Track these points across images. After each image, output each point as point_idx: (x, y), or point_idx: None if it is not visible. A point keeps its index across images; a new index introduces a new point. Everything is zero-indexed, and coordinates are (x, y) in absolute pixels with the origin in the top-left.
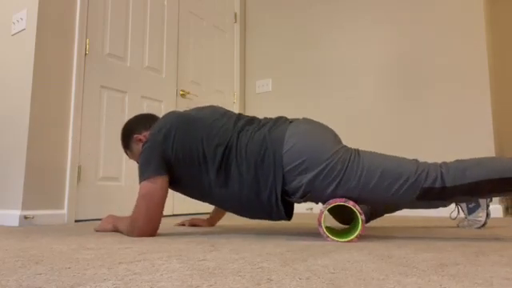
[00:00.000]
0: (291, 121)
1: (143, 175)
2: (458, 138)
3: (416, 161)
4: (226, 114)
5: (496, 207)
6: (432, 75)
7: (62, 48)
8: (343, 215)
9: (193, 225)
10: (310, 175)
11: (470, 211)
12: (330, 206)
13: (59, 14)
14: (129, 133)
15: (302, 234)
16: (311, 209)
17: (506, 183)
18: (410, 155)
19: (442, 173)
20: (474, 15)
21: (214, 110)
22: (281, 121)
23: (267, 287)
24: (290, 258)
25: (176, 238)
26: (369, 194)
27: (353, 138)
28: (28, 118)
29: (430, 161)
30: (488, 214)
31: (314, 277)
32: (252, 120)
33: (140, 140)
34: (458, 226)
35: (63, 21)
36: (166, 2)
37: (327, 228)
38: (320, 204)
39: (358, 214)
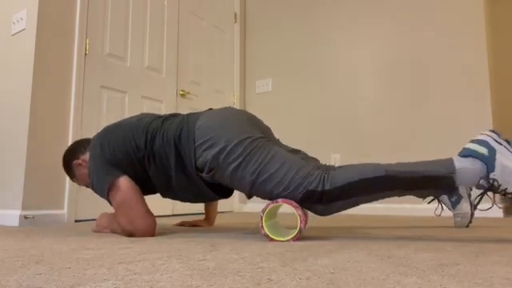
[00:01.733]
0: (212, 109)
1: (103, 189)
2: (458, 138)
3: (315, 167)
4: (152, 115)
5: (496, 207)
6: (432, 75)
7: (62, 48)
8: None
9: (192, 225)
10: (213, 151)
11: (454, 204)
12: (266, 211)
13: (59, 14)
14: (69, 162)
15: (302, 234)
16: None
17: (367, 183)
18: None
19: (324, 177)
20: (474, 15)
21: (139, 115)
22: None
23: (267, 287)
24: (289, 257)
25: (176, 238)
26: (262, 183)
27: (353, 137)
28: (28, 117)
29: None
30: (472, 203)
31: (313, 277)
32: (178, 114)
33: (80, 164)
34: (455, 227)
35: (63, 21)
36: (165, 2)
37: (271, 227)
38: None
39: (295, 210)
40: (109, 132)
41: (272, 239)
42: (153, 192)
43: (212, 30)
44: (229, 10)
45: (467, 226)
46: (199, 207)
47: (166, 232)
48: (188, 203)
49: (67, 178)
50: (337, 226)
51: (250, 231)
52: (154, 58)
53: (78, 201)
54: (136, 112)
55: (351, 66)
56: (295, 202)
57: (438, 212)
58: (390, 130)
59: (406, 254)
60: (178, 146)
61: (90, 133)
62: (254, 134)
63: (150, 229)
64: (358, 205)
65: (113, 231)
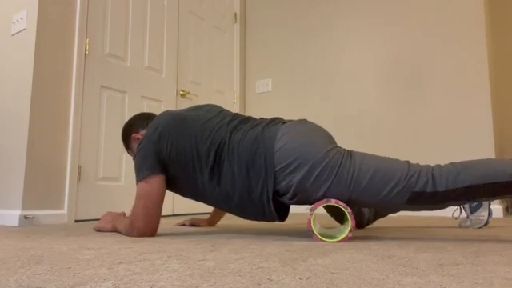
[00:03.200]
0: (285, 121)
1: (139, 176)
2: (458, 139)
3: (408, 163)
4: (221, 113)
5: (496, 207)
6: (432, 75)
7: (62, 48)
8: (337, 215)
9: (193, 225)
10: (300, 175)
11: (473, 210)
12: (314, 211)
13: (59, 14)
14: (128, 132)
15: (302, 234)
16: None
17: (498, 187)
18: (409, 155)
19: (433, 176)
20: (474, 15)
21: (209, 109)
22: (275, 121)
23: (267, 287)
24: (289, 257)
25: (176, 238)
26: (359, 195)
27: (353, 137)
28: (28, 118)
29: (430, 162)
30: (490, 213)
31: (313, 277)
32: (247, 119)
33: (138, 139)
34: (459, 227)
35: (63, 21)
36: (165, 2)
37: (319, 230)
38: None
39: (344, 209)
40: (174, 123)
41: (322, 241)
42: (182, 194)
43: (212, 30)
44: (229, 10)
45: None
46: (199, 207)
47: (166, 232)
48: (188, 203)
49: (67, 178)
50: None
51: (250, 231)
52: (154, 58)
53: (78, 201)
54: (136, 112)
55: (351, 66)
56: (400, 205)
57: (456, 214)
58: (391, 130)
59: (406, 253)
60: (249, 169)
61: (90, 133)
62: (334, 149)
63: (149, 232)
64: (465, 203)
65: (114, 228)
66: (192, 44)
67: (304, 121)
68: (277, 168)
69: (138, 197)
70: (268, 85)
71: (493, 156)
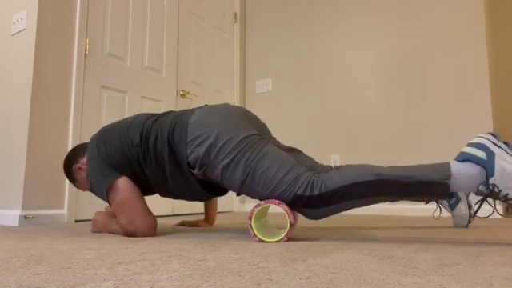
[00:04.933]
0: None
1: (103, 190)
2: (458, 139)
3: (305, 169)
4: (147, 114)
5: (496, 207)
6: (432, 75)
7: (62, 48)
8: None
9: (192, 225)
10: (205, 147)
11: (452, 207)
12: (260, 208)
13: (59, 14)
14: (69, 166)
15: (302, 234)
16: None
17: (367, 186)
18: (409, 155)
19: (313, 182)
20: (474, 15)
21: (135, 115)
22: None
23: (267, 287)
24: (289, 257)
25: (176, 238)
26: (252, 182)
27: (353, 137)
28: (28, 118)
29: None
30: (469, 205)
31: (313, 277)
32: (172, 111)
33: (80, 168)
34: (454, 227)
35: (63, 21)
36: (165, 2)
37: (261, 227)
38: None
39: (287, 216)
40: (105, 133)
41: (262, 241)
42: (152, 192)
43: (212, 30)
44: (229, 10)
45: (466, 227)
46: (199, 207)
47: (166, 232)
48: (188, 203)
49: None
50: (337, 226)
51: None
52: (153, 58)
53: (78, 201)
54: (136, 112)
55: (351, 66)
56: (285, 204)
57: (436, 214)
58: (390, 130)
59: (406, 253)
60: (171, 143)
61: (90, 133)
62: (248, 131)
63: (150, 228)
64: (350, 209)
65: (110, 232)
66: (192, 44)
67: (226, 104)
68: (188, 140)
69: (117, 208)
70: (268, 85)
71: None
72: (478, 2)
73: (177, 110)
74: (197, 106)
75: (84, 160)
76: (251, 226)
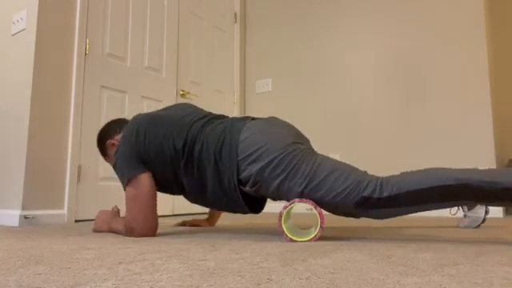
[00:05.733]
0: (254, 118)
1: (124, 178)
2: (458, 138)
3: (365, 172)
4: (194, 111)
5: (497, 208)
6: (432, 75)
7: (62, 48)
8: None
9: (193, 225)
10: (259, 165)
11: (470, 207)
12: (289, 208)
13: (59, 13)
14: (103, 140)
15: None
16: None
17: (445, 190)
18: (409, 155)
19: (381, 184)
20: (474, 15)
21: (182, 107)
22: (245, 117)
23: (267, 287)
24: (289, 257)
25: (176, 237)
26: (312, 191)
27: (353, 137)
28: (28, 117)
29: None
30: (487, 211)
31: (313, 277)
32: (219, 116)
33: (113, 144)
34: (457, 226)
35: (63, 21)
36: (165, 2)
37: (289, 228)
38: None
39: (317, 214)
40: (149, 122)
41: (293, 240)
42: (171, 193)
43: (212, 30)
44: (229, 10)
45: (477, 226)
46: (199, 207)
47: (166, 232)
48: (188, 203)
49: (67, 178)
50: (337, 226)
51: (250, 231)
52: (154, 58)
53: (78, 201)
54: (136, 112)
55: (351, 66)
56: (349, 207)
57: (453, 211)
58: (390, 130)
59: (406, 253)
60: (217, 160)
61: (90, 133)
62: (297, 144)
63: (149, 232)
64: (418, 212)
65: (111, 230)
66: (192, 44)
67: (274, 118)
68: (239, 158)
69: (130, 200)
70: (268, 85)
71: (492, 156)
72: (478, 2)
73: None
74: (196, 105)
75: (119, 137)
76: (282, 225)
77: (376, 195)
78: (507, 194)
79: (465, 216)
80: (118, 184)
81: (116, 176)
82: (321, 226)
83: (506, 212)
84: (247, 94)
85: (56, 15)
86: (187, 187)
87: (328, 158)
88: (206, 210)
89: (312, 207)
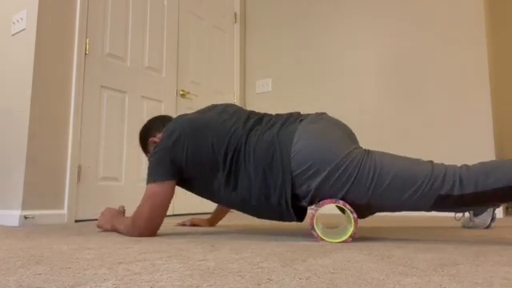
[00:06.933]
0: (302, 118)
1: (151, 177)
2: (458, 138)
3: (432, 163)
4: (235, 113)
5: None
6: (432, 75)
7: (62, 48)
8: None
9: (193, 225)
10: (318, 179)
11: (477, 212)
12: (320, 209)
13: (59, 13)
14: (145, 137)
15: (302, 234)
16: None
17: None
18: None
19: (460, 178)
20: (474, 15)
21: (223, 109)
22: (291, 119)
23: (267, 287)
24: (289, 257)
25: (176, 237)
26: (378, 199)
27: None
28: (28, 117)
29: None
30: (493, 218)
31: (313, 277)
32: (261, 118)
33: (154, 142)
34: (462, 226)
35: (63, 21)
36: (165, 2)
37: (319, 228)
38: None
39: (350, 213)
40: (189, 129)
41: (324, 241)
42: (200, 195)
43: (212, 30)
44: (229, 10)
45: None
46: (199, 207)
47: (166, 232)
48: (188, 203)
49: (67, 178)
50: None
51: (250, 231)
52: (154, 58)
53: (78, 201)
54: (136, 112)
55: (351, 66)
56: (424, 208)
57: (458, 216)
58: (390, 130)
59: (406, 254)
60: (266, 173)
61: (90, 133)
62: (351, 146)
63: (147, 233)
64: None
65: (113, 227)
66: (192, 44)
67: (321, 117)
68: (294, 173)
69: (146, 197)
70: (268, 85)
71: (492, 156)
72: (478, 2)
73: (178, 111)
74: (197, 105)
75: (160, 135)
76: (314, 228)
77: (456, 192)
78: None
79: (470, 219)
80: (118, 184)
81: (116, 176)
82: (354, 228)
83: (506, 212)
84: (247, 93)
85: (56, 15)
86: (226, 197)
87: (382, 155)
88: (207, 210)
89: (349, 211)
